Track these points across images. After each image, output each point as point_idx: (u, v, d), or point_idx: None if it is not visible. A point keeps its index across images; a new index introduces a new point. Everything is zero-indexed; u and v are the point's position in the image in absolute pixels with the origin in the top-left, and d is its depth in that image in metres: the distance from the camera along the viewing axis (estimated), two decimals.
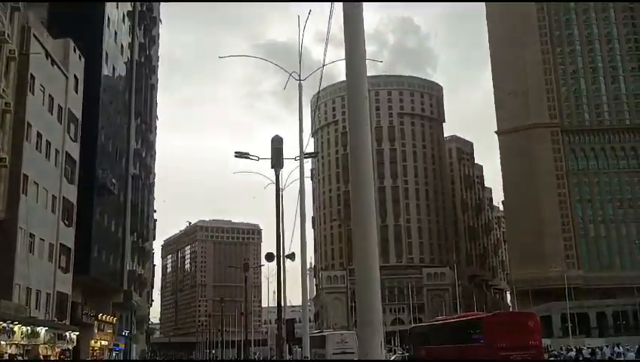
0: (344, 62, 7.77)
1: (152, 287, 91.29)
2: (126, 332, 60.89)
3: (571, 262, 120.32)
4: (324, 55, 17.68)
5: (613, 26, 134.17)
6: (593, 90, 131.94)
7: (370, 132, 7.30)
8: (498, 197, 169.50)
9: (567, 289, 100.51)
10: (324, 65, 18.52)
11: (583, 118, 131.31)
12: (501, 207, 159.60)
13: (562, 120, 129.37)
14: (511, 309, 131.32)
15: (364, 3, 6.94)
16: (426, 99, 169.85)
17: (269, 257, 30.64)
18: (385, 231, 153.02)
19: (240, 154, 24.74)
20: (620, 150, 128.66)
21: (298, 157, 25.46)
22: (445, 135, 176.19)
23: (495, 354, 30.94)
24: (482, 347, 32.38)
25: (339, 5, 7.49)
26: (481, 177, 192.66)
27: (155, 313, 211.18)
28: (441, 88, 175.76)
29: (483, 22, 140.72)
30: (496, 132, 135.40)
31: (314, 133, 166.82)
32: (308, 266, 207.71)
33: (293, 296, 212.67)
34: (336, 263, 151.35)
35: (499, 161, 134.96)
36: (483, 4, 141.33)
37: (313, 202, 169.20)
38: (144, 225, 68.02)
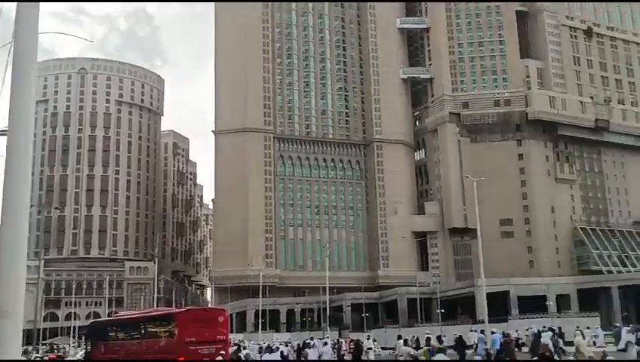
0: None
1: None
2: None
3: (270, 261, 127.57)
4: None
5: (327, 46, 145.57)
6: (305, 103, 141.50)
7: (32, 113, 6.85)
8: (210, 196, 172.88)
9: (264, 287, 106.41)
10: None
11: (294, 128, 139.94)
12: (211, 205, 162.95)
13: (275, 127, 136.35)
14: (210, 305, 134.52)
15: None
16: (147, 90, 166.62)
17: None
18: (89, 221, 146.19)
19: None
20: (322, 161, 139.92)
21: None
22: (163, 129, 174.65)
23: (184, 348, 31.41)
24: (172, 342, 32.60)
25: None
26: (195, 174, 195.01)
27: None
28: (163, 81, 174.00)
29: (213, 22, 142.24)
30: (213, 131, 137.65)
31: None
32: None
33: None
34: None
35: (214, 159, 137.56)
36: (213, 5, 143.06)
37: None
38: None
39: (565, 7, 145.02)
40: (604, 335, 43.71)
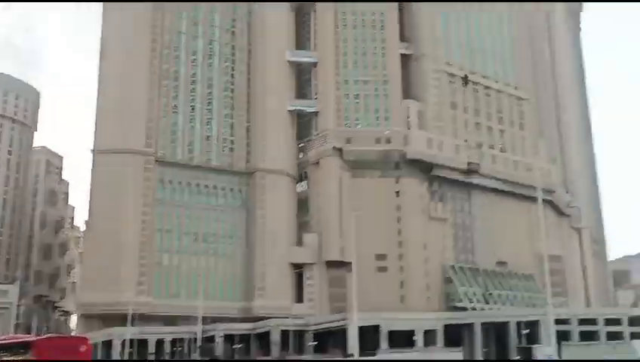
0: None
1: None
2: None
3: (143, 288, 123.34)
4: None
5: (215, 72, 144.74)
6: (189, 128, 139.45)
7: None
8: (83, 217, 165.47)
9: (136, 315, 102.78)
10: None
11: (176, 152, 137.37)
12: (83, 227, 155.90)
13: (157, 150, 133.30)
14: (74, 333, 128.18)
15: None
16: (21, 103, 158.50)
17: None
18: None
19: None
20: (204, 187, 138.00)
21: None
22: (37, 145, 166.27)
23: None
24: None
25: None
26: (67, 194, 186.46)
27: None
28: (39, 94, 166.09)
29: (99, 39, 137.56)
30: (92, 150, 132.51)
31: None
32: None
33: None
34: None
35: (90, 179, 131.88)
36: (100, 18, 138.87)
37: None
38: None
39: (445, 54, 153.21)
40: None
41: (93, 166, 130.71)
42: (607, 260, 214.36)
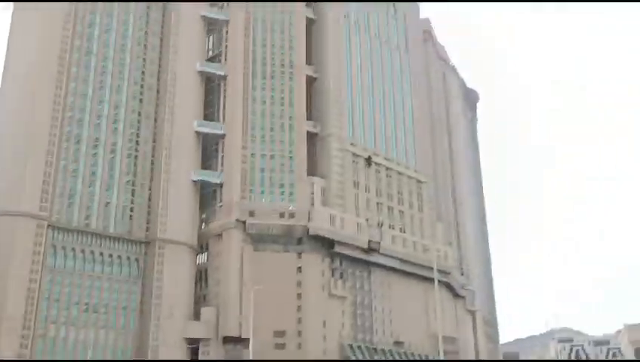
0: None
1: None
2: None
3: None
4: None
5: (120, 137, 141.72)
6: (88, 193, 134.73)
7: None
8: None
9: None
10: None
11: (73, 218, 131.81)
12: None
13: (51, 214, 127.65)
14: None
15: None
16: None
17: None
18: None
19: None
20: (99, 255, 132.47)
21: None
22: None
23: None
24: None
25: None
26: None
27: None
28: None
29: None
30: None
31: None
32: None
33: None
34: None
35: None
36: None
37: None
38: None
39: (350, 135, 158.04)
40: None
41: None
42: (498, 342, 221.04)
